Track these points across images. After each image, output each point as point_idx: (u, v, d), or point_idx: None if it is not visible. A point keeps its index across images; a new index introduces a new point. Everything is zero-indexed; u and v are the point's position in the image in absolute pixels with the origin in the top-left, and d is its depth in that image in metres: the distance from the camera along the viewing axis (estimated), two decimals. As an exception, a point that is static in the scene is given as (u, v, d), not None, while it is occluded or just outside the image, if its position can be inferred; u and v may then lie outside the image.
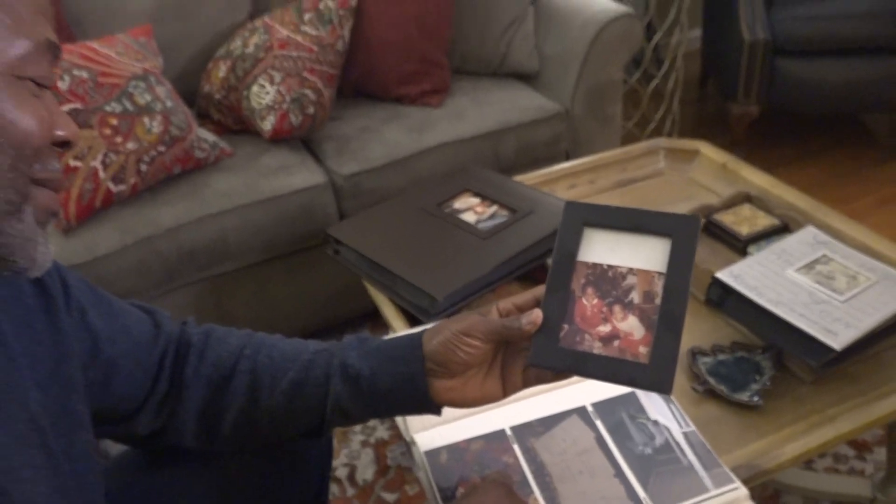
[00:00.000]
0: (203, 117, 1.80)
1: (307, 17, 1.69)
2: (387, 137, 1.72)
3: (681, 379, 1.04)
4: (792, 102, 2.37)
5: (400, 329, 1.14)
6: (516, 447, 0.83)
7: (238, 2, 1.88)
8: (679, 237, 0.64)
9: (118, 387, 0.71)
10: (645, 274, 0.64)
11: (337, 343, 0.75)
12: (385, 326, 1.81)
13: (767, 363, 1.04)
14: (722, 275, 1.06)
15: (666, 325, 0.62)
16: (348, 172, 1.65)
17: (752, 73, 2.27)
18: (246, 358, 0.75)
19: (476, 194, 1.34)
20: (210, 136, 1.64)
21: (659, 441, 0.85)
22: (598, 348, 0.64)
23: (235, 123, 1.75)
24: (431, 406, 0.70)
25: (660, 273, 0.64)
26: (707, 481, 0.80)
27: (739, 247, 1.26)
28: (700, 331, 1.11)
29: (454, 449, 0.83)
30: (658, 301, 0.63)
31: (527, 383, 0.70)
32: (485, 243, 1.21)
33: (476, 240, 1.22)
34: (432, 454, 0.83)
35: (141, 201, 1.52)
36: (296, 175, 1.62)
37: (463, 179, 1.39)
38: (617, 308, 0.65)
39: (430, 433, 0.85)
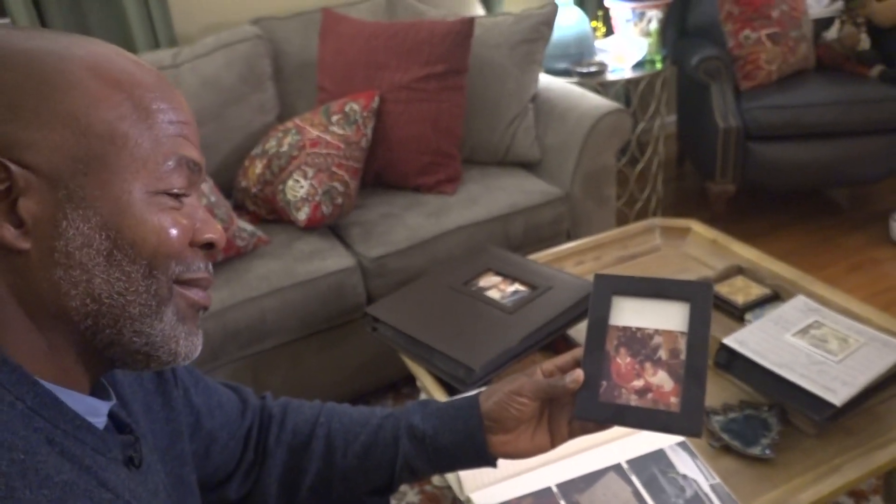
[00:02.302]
0: (238, 208, 1.88)
1: (335, 118, 1.80)
2: (408, 222, 1.81)
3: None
4: (765, 180, 2.50)
5: (440, 398, 1.19)
6: (563, 503, 0.88)
7: (268, 106, 2.00)
8: (696, 301, 0.72)
9: (215, 457, 0.76)
10: (669, 334, 0.71)
11: (401, 408, 0.80)
12: (408, 397, 1.86)
13: (773, 419, 1.10)
14: (728, 341, 1.13)
15: (691, 377, 0.69)
16: (375, 255, 1.72)
17: (728, 156, 2.40)
18: (321, 425, 0.80)
19: (497, 273, 1.42)
20: (249, 226, 1.71)
21: (689, 493, 0.90)
22: (634, 401, 0.70)
23: (269, 214, 1.83)
24: (489, 458, 0.76)
25: (682, 332, 0.71)
26: (736, 528, 0.85)
27: (737, 314, 1.34)
28: (710, 391, 1.16)
29: (507, 506, 0.88)
30: (683, 357, 0.70)
31: (572, 434, 0.75)
32: (511, 318, 1.28)
33: (502, 314, 1.29)
34: (484, 511, 0.87)
35: (189, 287, 1.58)
36: (328, 259, 1.69)
37: (484, 260, 1.47)
38: (648, 364, 0.71)
39: (484, 492, 0.90)
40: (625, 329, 0.73)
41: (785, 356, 1.09)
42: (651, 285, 0.74)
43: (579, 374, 0.72)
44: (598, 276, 0.76)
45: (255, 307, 1.59)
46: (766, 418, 1.10)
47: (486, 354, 1.18)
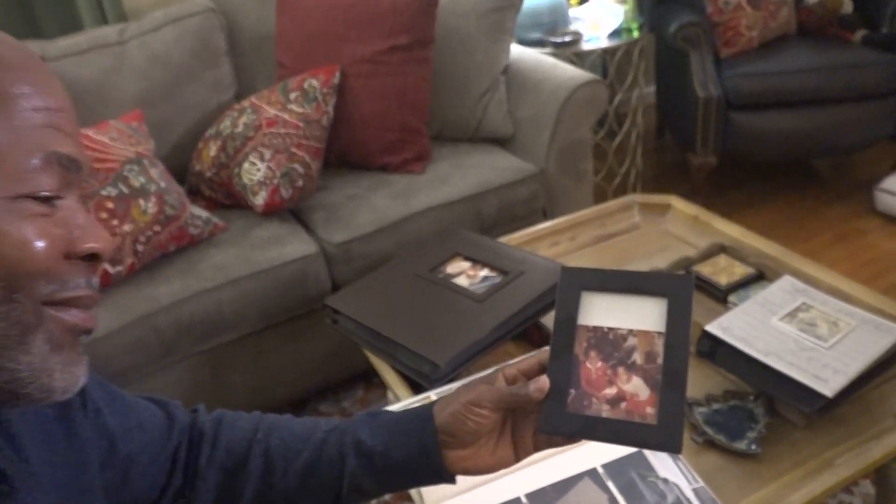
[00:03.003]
0: (194, 194, 1.77)
1: (293, 96, 1.69)
2: (374, 204, 1.71)
3: (680, 431, 1.01)
4: (746, 151, 2.42)
5: (404, 396, 1.11)
6: (533, 515, 0.80)
7: (224, 83, 1.88)
8: (674, 297, 0.63)
9: (136, 483, 0.67)
10: (645, 335, 0.63)
11: (347, 420, 0.72)
12: (380, 387, 1.78)
13: (760, 410, 1.02)
14: (711, 327, 1.05)
15: (670, 383, 0.61)
16: (339, 240, 1.63)
17: (708, 127, 2.32)
18: (258, 442, 0.71)
19: (467, 258, 1.33)
20: (203, 213, 1.61)
21: (670, 499, 0.82)
22: (605, 411, 0.62)
23: (226, 199, 1.73)
24: (446, 476, 0.68)
25: (659, 333, 0.63)
26: (722, 538, 0.77)
27: (720, 296, 1.26)
28: (692, 381, 1.08)
29: (472, 521, 0.80)
30: (660, 360, 0.62)
31: (538, 447, 0.67)
32: (480, 306, 1.19)
33: (471, 303, 1.20)
34: (450, 528, 0.79)
35: (138, 280, 1.48)
36: (288, 245, 1.59)
37: (452, 244, 1.38)
38: (621, 370, 0.63)
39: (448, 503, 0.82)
40: (595, 329, 0.65)
41: (772, 343, 1.01)
42: (624, 279, 0.66)
43: (544, 381, 0.64)
44: (566, 270, 0.68)
45: (210, 299, 1.49)
46: (753, 409, 1.03)
47: (452, 348, 1.10)
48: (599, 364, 0.64)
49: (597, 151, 2.49)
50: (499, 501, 0.81)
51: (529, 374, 0.68)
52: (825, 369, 0.96)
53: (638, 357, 0.63)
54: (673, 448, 0.59)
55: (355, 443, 0.69)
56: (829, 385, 0.93)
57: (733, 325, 1.05)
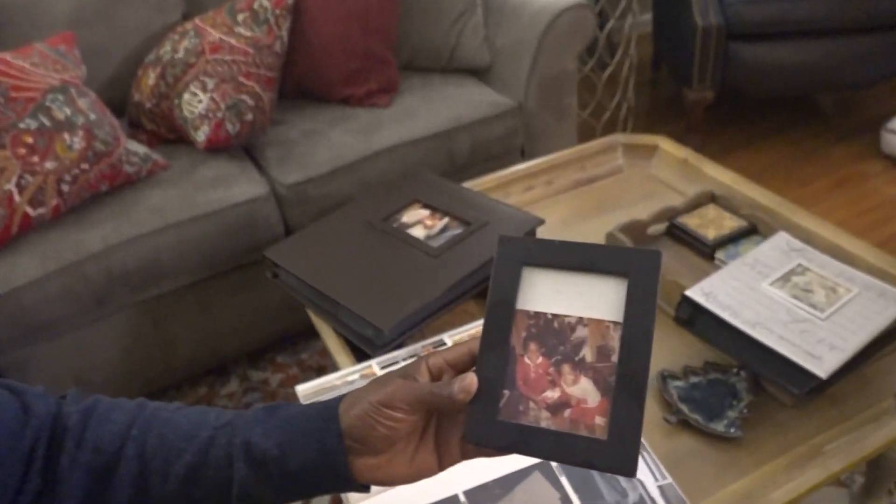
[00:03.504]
0: (135, 127, 1.61)
1: (241, 17, 1.51)
2: (333, 141, 1.55)
3: (652, 408, 0.90)
4: (746, 86, 2.24)
5: (344, 363, 0.99)
6: (471, 517, 0.69)
7: (170, 2, 1.69)
8: (637, 277, 0.50)
9: (-23, 490, 0.55)
10: (598, 324, 0.50)
11: (243, 414, 0.59)
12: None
13: (743, 385, 0.91)
14: (692, 292, 0.92)
15: (625, 388, 0.48)
16: (292, 181, 1.48)
17: (707, 59, 2.14)
18: (133, 440, 0.59)
19: (426, 206, 1.19)
20: (141, 149, 1.45)
21: (632, 499, 0.71)
22: (545, 420, 0.50)
23: (170, 133, 1.57)
24: (355, 486, 0.56)
25: (615, 323, 0.50)
26: (689, 547, 0.66)
27: (706, 252, 1.13)
28: (669, 349, 0.97)
29: (399, 524, 0.69)
30: (615, 358, 0.49)
31: (466, 455, 0.56)
32: (436, 262, 1.06)
33: (426, 258, 1.07)
34: (373, 533, 0.68)
35: (64, 224, 1.34)
36: (235, 187, 1.44)
37: (411, 189, 1.24)
38: (566, 368, 0.50)
39: (372, 502, 0.70)
40: (537, 316, 0.52)
41: (760, 312, 0.89)
42: (576, 253, 0.52)
43: (471, 380, 0.51)
44: (504, 240, 0.54)
45: (146, 245, 1.35)
46: (735, 384, 0.91)
47: (399, 311, 0.97)
48: (540, 360, 0.51)
49: (586, 84, 2.32)
50: (432, 500, 0.70)
51: (458, 366, 0.55)
52: (819, 345, 0.83)
53: (588, 353, 0.50)
54: (625, 470, 0.47)
55: (245, 445, 0.56)
56: (823, 364, 0.81)
57: (717, 290, 0.92)
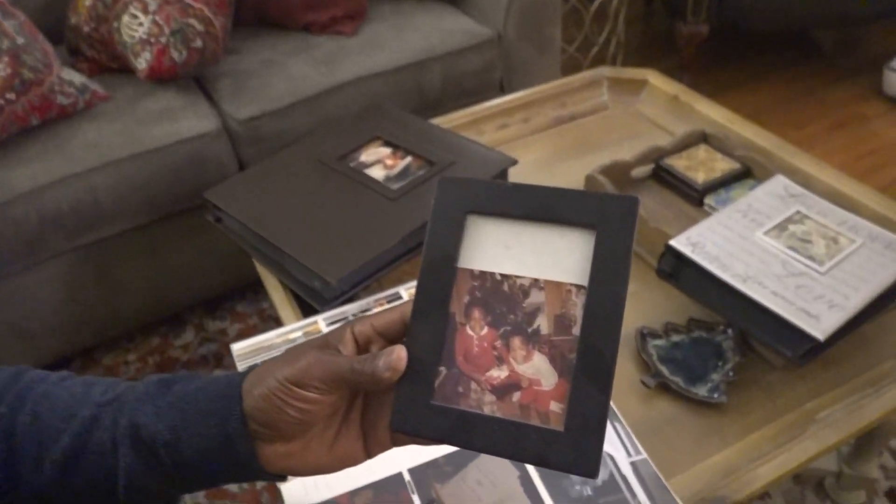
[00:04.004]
0: (75, 55, 1.47)
1: (185, -72, 1.35)
2: (292, 72, 1.42)
3: (627, 369, 0.82)
4: (742, 20, 2.11)
5: (288, 318, 0.89)
6: (416, 499, 0.61)
7: (111, -88, 1.52)
8: (607, 230, 0.40)
9: None
10: (557, 288, 0.41)
11: (133, 388, 0.50)
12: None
13: (730, 344, 0.82)
14: (677, 242, 0.83)
15: (589, 368, 0.39)
16: (246, 116, 1.36)
17: (702, -11, 2.00)
18: (1, 418, 0.49)
19: (387, 143, 1.08)
20: (78, 78, 1.32)
21: (602, 477, 0.63)
22: (489, 405, 0.40)
23: (112, 61, 1.43)
24: (264, 476, 0.47)
25: (578, 286, 0.40)
26: (663, 533, 0.59)
27: (695, 197, 1.03)
28: (650, 304, 0.88)
29: (333, 507, 0.60)
30: (576, 330, 0.40)
31: (397, 442, 0.47)
32: (394, 206, 0.96)
33: (384, 202, 0.96)
34: (302, 517, 0.59)
35: (-12, 160, 1.22)
36: (182, 121, 1.32)
37: (372, 124, 1.12)
38: (516, 341, 0.41)
39: (301, 484, 0.62)
40: (483, 277, 0.42)
41: (753, 264, 0.79)
42: (533, 198, 0.42)
43: (399, 355, 0.42)
44: (444, 183, 0.44)
45: (82, 185, 1.24)
46: (721, 344, 0.83)
47: (350, 261, 0.87)
48: (486, 330, 0.41)
49: (573, 16, 2.18)
50: (372, 479, 0.62)
51: (389, 335, 0.46)
52: (817, 302, 0.75)
53: (544, 323, 0.40)
54: (586, 469, 0.38)
55: (132, 427, 0.47)
56: (820, 324, 0.72)
57: (705, 240, 0.83)
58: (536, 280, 0.41)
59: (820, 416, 0.75)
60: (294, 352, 0.46)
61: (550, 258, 0.41)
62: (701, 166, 1.06)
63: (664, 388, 0.80)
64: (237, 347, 0.81)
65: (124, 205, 1.28)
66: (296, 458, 0.46)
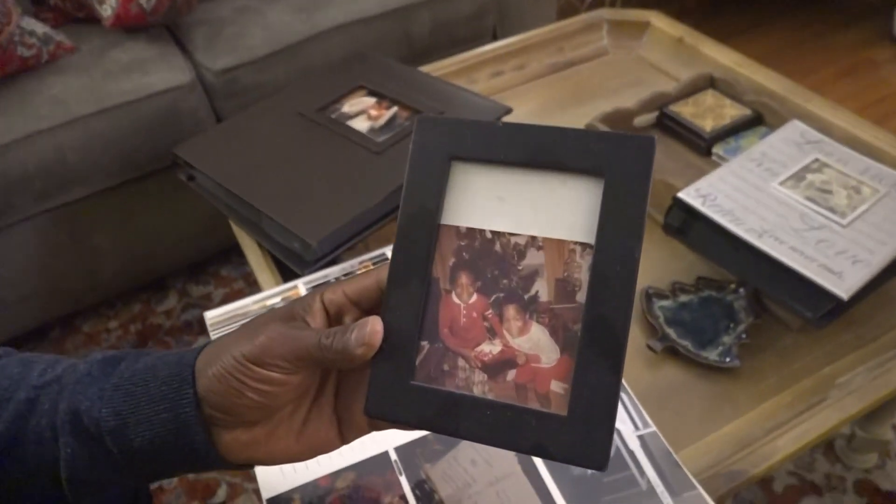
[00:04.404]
0: (39, 4, 1.38)
1: None
2: (270, 20, 1.33)
3: (632, 332, 0.75)
4: (749, -39, 2.01)
5: (267, 283, 0.83)
6: (404, 480, 0.55)
7: None
8: (618, 177, 0.34)
9: None
10: (558, 247, 0.34)
11: (76, 367, 0.44)
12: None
13: (742, 304, 0.77)
14: (686, 195, 0.76)
15: (596, 342, 0.33)
16: (222, 67, 1.27)
17: (706, -73, 1.89)
18: None
19: (371, 93, 1.00)
20: (40, 28, 1.23)
21: (606, 453, 0.57)
22: (479, 385, 0.35)
23: (77, 10, 1.34)
24: (227, 466, 0.42)
25: (584, 245, 0.34)
26: (675, 514, 0.54)
27: (702, 146, 0.97)
28: (656, 262, 0.82)
29: (311, 491, 0.55)
30: (582, 297, 0.33)
31: (376, 426, 0.41)
32: (379, 160, 0.89)
33: (368, 155, 0.90)
34: (277, 503, 0.54)
35: (-55, 118, 1.14)
36: (153, 73, 1.24)
37: (355, 73, 1.05)
38: (511, 311, 0.35)
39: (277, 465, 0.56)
40: (471, 235, 0.36)
41: (768, 218, 0.73)
42: (530, 141, 0.36)
43: (374, 328, 0.36)
44: (424, 122, 0.37)
45: (47, 144, 1.16)
46: (732, 303, 0.77)
47: (332, 221, 0.81)
48: (475, 298, 0.35)
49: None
50: (357, 459, 0.56)
51: (365, 304, 0.40)
52: (840, 257, 0.69)
53: (543, 289, 0.34)
54: (592, 461, 0.32)
55: (72, 413, 0.41)
56: (843, 281, 0.66)
57: (717, 192, 0.76)
58: (534, 238, 0.34)
59: (840, 382, 0.70)
60: (254, 325, 0.40)
61: (551, 212, 0.34)
62: (709, 113, 0.99)
63: (672, 352, 0.74)
64: (211, 315, 0.75)
65: (94, 164, 1.20)
66: (260, 446, 0.40)
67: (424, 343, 0.35)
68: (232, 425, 0.39)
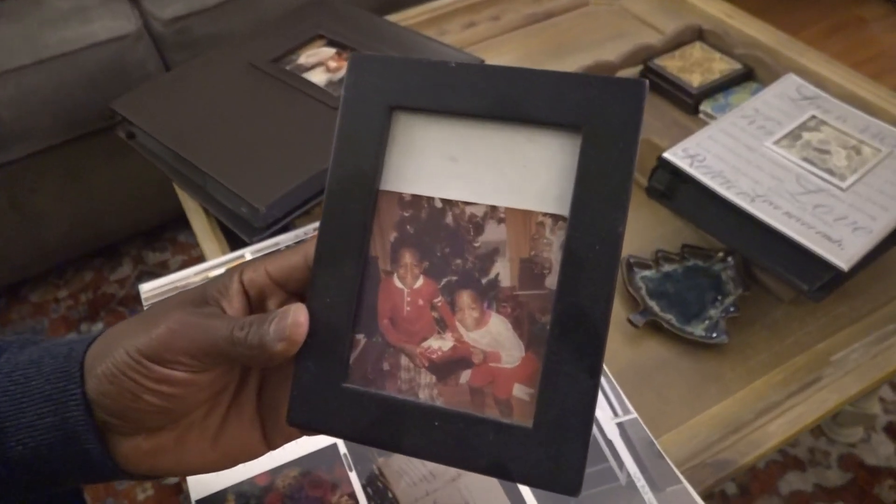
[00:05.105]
0: (-31, -57, 1.26)
1: None
2: (225, -35, 1.23)
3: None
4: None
5: (212, 251, 0.76)
6: (354, 477, 0.49)
7: None
8: (600, 131, 0.27)
9: None
10: (524, 219, 0.28)
11: None
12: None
13: (730, 275, 0.71)
14: (672, 154, 0.70)
15: (569, 337, 0.27)
16: (171, 16, 1.18)
17: None
18: None
19: (331, 42, 0.92)
20: (-32, -30, 1.12)
21: (582, 443, 0.51)
22: (426, 388, 0.29)
23: (11, -50, 1.22)
24: (128, 477, 0.35)
25: (555, 217, 0.27)
26: (657, 511, 0.48)
27: (690, 103, 0.90)
28: (638, 229, 0.76)
29: (248, 490, 0.49)
30: (552, 282, 0.27)
31: (308, 431, 0.35)
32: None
33: (326, 111, 0.82)
34: (209, 505, 0.48)
35: None
36: (96, 21, 1.14)
37: (314, 21, 0.96)
38: (465, 298, 0.28)
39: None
40: (416, 204, 0.29)
41: (762, 180, 0.67)
42: (489, 85, 0.29)
43: (297, 319, 0.30)
44: (359, 61, 0.30)
45: (-22, 99, 1.06)
46: (720, 273, 0.72)
47: (283, 183, 0.73)
48: (421, 282, 0.29)
49: None
50: (300, 453, 0.50)
51: (293, 285, 0.33)
52: (839, 224, 0.63)
53: (504, 271, 0.28)
54: (562, 483, 0.26)
55: (-61, 415, 0.34)
56: (843, 250, 0.61)
57: (706, 152, 0.70)
58: (494, 208, 0.28)
59: (835, 359, 0.64)
60: (154, 311, 0.33)
61: (515, 175, 0.28)
62: (696, 67, 0.93)
63: (654, 327, 0.69)
64: (146, 289, 0.68)
65: (31, 121, 1.11)
66: (167, 454, 0.33)
67: (360, 337, 0.29)
68: (131, 432, 0.33)
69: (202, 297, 0.33)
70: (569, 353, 0.26)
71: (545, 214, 0.27)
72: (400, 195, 0.29)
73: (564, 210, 0.27)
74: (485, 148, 0.28)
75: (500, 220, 0.27)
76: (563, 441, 0.26)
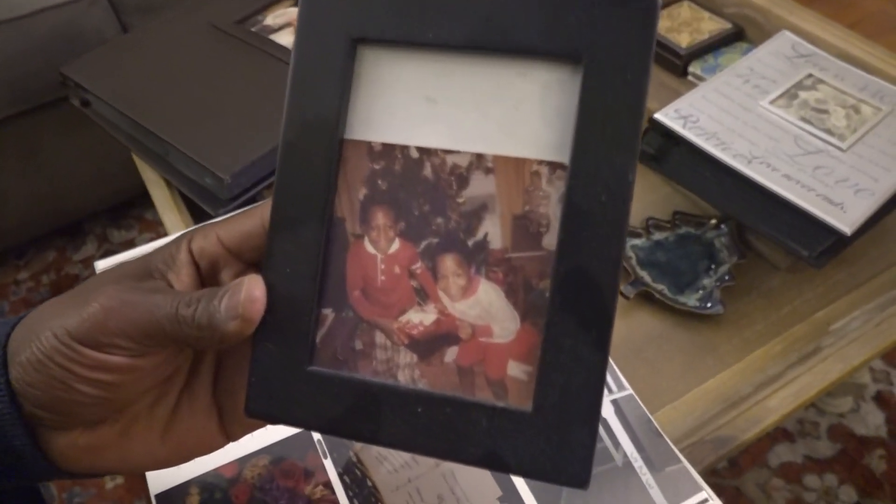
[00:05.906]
0: None
1: None
2: (186, -76, 1.16)
3: (602, 277, 0.66)
4: None
5: (174, 224, 0.71)
6: (329, 465, 0.46)
7: None
8: (605, 62, 0.23)
9: None
10: (516, 168, 0.24)
11: None
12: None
13: (724, 243, 0.68)
14: (664, 116, 0.66)
15: (572, 306, 0.23)
16: (129, -22, 1.11)
17: None
18: None
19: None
20: None
21: (575, 422, 0.48)
22: (407, 369, 0.25)
23: None
24: (66, 477, 0.31)
25: (554, 165, 0.23)
26: (656, 493, 0.45)
27: (678, 65, 0.86)
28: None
29: (213, 482, 0.45)
30: (550, 241, 0.23)
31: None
32: (307, 80, 0.76)
33: (294, 74, 0.77)
34: (168, 499, 0.44)
35: None
36: (47, -16, 1.07)
37: (280, -20, 0.90)
38: (449, 263, 0.25)
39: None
40: (389, 154, 0.25)
41: (759, 142, 0.64)
42: (470, 11, 0.24)
43: (251, 294, 0.25)
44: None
45: (-79, 68, 1.00)
46: (713, 241, 0.68)
47: (249, 152, 0.69)
48: (398, 246, 0.25)
49: None
50: (270, 440, 0.47)
51: (247, 253, 0.29)
52: (840, 186, 0.60)
53: (494, 230, 0.24)
54: (569, 474, 0.23)
55: None
56: (846, 213, 0.58)
57: (699, 113, 0.66)
58: (480, 157, 0.24)
59: (835, 327, 0.62)
60: (86, 288, 0.28)
61: (504, 117, 0.23)
62: (685, 27, 0.89)
63: (646, 298, 0.66)
64: (102, 265, 0.64)
65: (-20, 91, 1.05)
66: (110, 450, 0.29)
67: (327, 311, 0.25)
68: (65, 426, 0.28)
69: (145, 270, 0.29)
70: (572, 324, 0.22)
71: (541, 162, 0.23)
72: (368, 144, 0.25)
73: (564, 156, 0.23)
74: (467, 86, 0.24)
75: (488, 171, 0.23)
76: (568, 426, 0.22)
